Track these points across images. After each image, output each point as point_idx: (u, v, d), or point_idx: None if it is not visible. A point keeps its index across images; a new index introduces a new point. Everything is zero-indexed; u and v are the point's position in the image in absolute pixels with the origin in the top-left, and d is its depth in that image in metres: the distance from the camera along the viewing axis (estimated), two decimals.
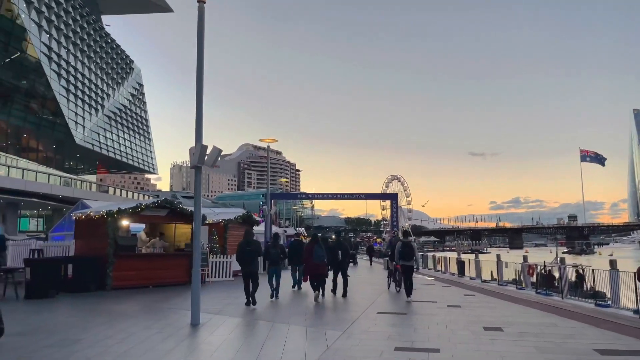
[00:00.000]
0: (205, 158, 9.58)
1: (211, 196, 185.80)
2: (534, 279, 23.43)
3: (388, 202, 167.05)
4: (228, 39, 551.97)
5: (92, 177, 75.53)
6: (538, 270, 22.42)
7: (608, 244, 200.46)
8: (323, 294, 13.32)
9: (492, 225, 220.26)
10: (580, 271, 22.66)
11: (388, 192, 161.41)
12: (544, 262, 22.62)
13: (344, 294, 13.69)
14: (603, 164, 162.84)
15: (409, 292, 13.18)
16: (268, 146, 25.24)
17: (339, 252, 13.96)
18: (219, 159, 10.28)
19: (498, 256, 26.78)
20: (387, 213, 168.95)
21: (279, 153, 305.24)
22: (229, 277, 19.58)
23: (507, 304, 12.69)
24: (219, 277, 19.21)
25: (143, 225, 18.29)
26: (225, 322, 9.53)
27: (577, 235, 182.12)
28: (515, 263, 23.97)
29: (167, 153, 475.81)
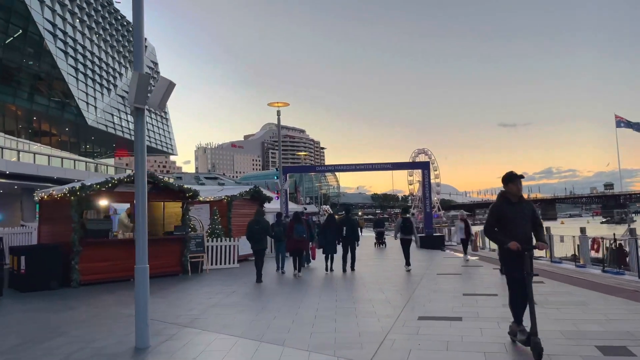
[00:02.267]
0: (151, 95, 6.32)
1: (236, 177, 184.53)
2: (597, 255, 19.75)
3: (415, 176, 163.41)
4: (255, 22, 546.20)
5: (111, 161, 73.79)
6: (608, 245, 18.72)
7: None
8: (332, 269, 14.33)
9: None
10: None
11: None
12: (614, 234, 18.83)
13: (352, 268, 14.14)
14: (639, 130, 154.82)
15: (407, 260, 14.45)
16: (278, 111, 21.94)
17: (344, 228, 14.26)
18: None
19: (548, 229, 23.10)
20: (415, 188, 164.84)
21: (302, 131, 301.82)
22: (233, 263, 16.51)
23: (592, 293, 9.20)
24: (220, 264, 16.15)
25: (127, 205, 15.33)
26: (190, 342, 6.35)
27: (614, 204, 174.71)
28: (574, 237, 20.20)
29: (193, 135, 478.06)
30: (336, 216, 16.34)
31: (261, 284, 11.98)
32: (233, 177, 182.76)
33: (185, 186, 14.96)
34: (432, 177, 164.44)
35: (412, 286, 10.68)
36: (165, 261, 13.84)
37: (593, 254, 19.77)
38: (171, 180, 15.01)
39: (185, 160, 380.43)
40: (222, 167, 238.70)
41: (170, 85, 6.38)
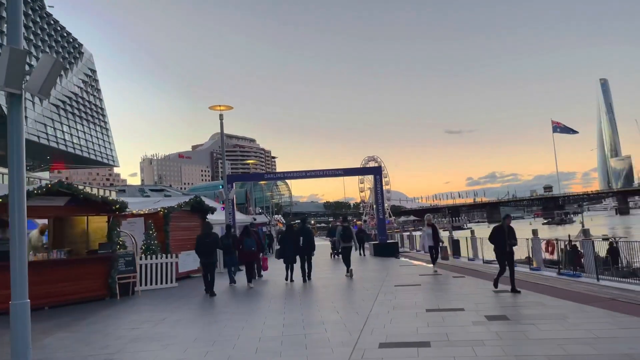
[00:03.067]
0: (30, 77, 4.84)
1: (184, 188, 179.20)
2: (552, 257, 19.42)
3: (366, 184, 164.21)
4: (203, 33, 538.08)
5: (46, 174, 69.22)
6: (562, 247, 18.38)
7: (582, 213, 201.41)
8: (292, 279, 14.29)
9: (470, 201, 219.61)
10: (614, 244, 18.64)
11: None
12: (569, 236, 18.55)
13: (309, 277, 14.24)
14: (574, 133, 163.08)
15: (348, 266, 15.04)
16: (221, 115, 20.41)
17: (300, 238, 14.33)
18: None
19: None
20: (366, 195, 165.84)
21: (252, 140, 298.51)
22: (171, 282, 14.83)
23: (567, 303, 8.36)
24: (156, 283, 14.44)
25: (44, 221, 13.41)
26: None
27: (553, 205, 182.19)
28: (527, 239, 19.80)
29: (140, 146, 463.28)
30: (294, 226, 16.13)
31: (207, 300, 10.84)
32: (181, 188, 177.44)
33: (111, 198, 13.22)
34: (382, 183, 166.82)
35: (369, 302, 9.52)
36: (88, 284, 12.05)
37: (547, 256, 19.42)
38: (113, 194, 13.25)
39: (131, 172, 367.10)
40: (169, 178, 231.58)
41: (57, 64, 4.92)
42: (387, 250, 23.73)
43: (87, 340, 7.63)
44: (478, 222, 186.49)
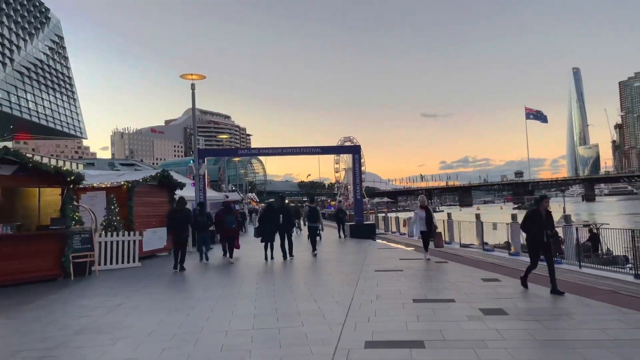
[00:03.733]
0: None
1: (156, 163, 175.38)
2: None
3: (341, 164, 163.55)
4: (180, 6, 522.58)
5: (9, 145, 66.14)
6: None
7: (551, 198, 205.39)
8: (272, 257, 14.27)
9: (443, 184, 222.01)
10: (595, 231, 18.27)
11: (341, 154, 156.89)
12: (561, 220, 18.08)
13: (291, 254, 14.32)
14: (545, 121, 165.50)
15: (314, 246, 15.66)
16: (193, 84, 19.09)
17: (280, 216, 14.31)
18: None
19: (478, 215, 22.36)
20: (341, 175, 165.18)
21: (227, 117, 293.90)
22: (134, 262, 13.72)
23: (566, 296, 7.68)
24: (117, 263, 13.32)
25: None
26: None
27: (523, 191, 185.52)
28: (508, 224, 19.26)
29: (110, 120, 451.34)
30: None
31: (171, 282, 9.80)
32: (153, 164, 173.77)
33: (66, 168, 11.97)
34: (360, 163, 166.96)
35: (349, 289, 8.68)
36: (38, 263, 10.89)
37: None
38: (80, 167, 12.07)
39: (103, 146, 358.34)
40: (141, 153, 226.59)
41: None
42: (364, 231, 22.99)
43: (24, 329, 6.57)
44: (450, 205, 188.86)
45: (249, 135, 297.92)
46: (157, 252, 16.68)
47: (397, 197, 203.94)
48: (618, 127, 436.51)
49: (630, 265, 14.10)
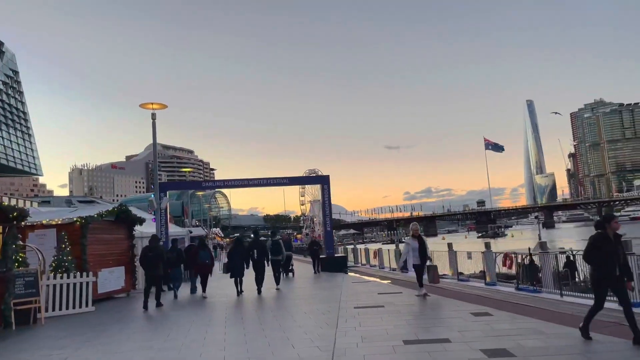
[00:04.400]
0: None
1: (116, 200, 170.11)
2: (510, 271, 18.57)
3: (307, 197, 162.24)
4: (139, 41, 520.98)
5: None
6: (519, 261, 17.47)
7: (511, 227, 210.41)
8: (242, 291, 14.21)
9: (407, 215, 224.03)
10: (571, 257, 17.97)
11: (306, 186, 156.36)
12: (529, 248, 17.70)
13: (259, 290, 14.08)
14: (502, 151, 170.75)
15: (276, 281, 15.20)
16: (153, 114, 18.14)
17: (255, 251, 14.32)
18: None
19: (450, 245, 21.94)
20: (307, 208, 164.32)
21: (190, 152, 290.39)
22: (87, 306, 12.39)
23: (562, 329, 7.02)
24: (66, 308, 11.95)
25: None
26: None
27: (486, 219, 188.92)
28: (483, 253, 18.79)
29: (69, 157, 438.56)
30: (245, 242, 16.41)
31: (128, 327, 8.55)
32: (113, 200, 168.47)
33: (7, 204, 10.73)
34: (329, 193, 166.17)
35: (330, 331, 7.78)
36: None
37: (505, 270, 18.54)
38: (35, 205, 10.80)
39: (61, 183, 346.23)
40: (100, 190, 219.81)
41: None
42: (335, 264, 22.13)
43: None
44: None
45: (212, 169, 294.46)
46: (114, 293, 15.32)
47: (363, 228, 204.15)
48: (572, 156, 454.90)
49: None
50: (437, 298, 11.28)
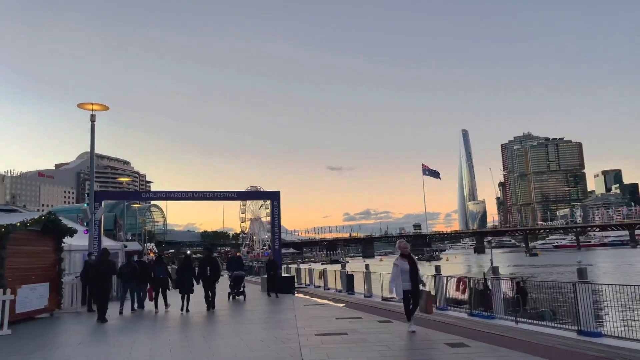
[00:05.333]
0: None
1: (42, 210, 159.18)
2: (463, 296, 18.32)
3: (247, 214, 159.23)
4: (77, 43, 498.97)
5: None
6: (472, 285, 17.23)
7: (444, 250, 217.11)
8: (188, 309, 13.98)
9: (346, 235, 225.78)
10: (521, 284, 17.95)
11: (247, 203, 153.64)
12: (484, 273, 17.50)
13: (213, 306, 14.42)
14: (439, 177, 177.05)
15: (211, 305, 14.59)
16: (92, 115, 16.49)
17: (208, 268, 14.57)
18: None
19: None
20: (247, 225, 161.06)
21: (126, 163, 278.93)
22: (1, 328, 10.65)
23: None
24: None
25: None
26: None
27: (422, 242, 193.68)
28: (434, 276, 18.46)
29: None
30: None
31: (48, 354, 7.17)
32: (38, 210, 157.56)
33: None
34: (264, 214, 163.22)
35: None
36: None
37: (457, 294, 18.27)
38: None
39: None
40: (25, 199, 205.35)
41: None
42: (283, 285, 21.00)
43: None
44: (353, 256, 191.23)
45: (149, 182, 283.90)
46: (36, 314, 13.48)
47: (303, 247, 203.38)
48: (501, 185, 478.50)
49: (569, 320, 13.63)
50: (400, 325, 10.56)
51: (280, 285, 20.99)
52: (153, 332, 10.47)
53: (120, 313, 14.00)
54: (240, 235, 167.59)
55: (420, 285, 9.63)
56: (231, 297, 17.60)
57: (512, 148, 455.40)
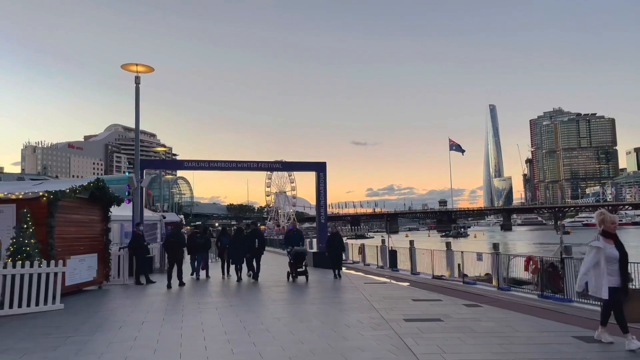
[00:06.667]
0: None
1: None
2: (531, 276, 16.98)
3: (272, 188, 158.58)
4: (108, 25, 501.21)
5: None
6: (542, 265, 15.89)
7: (470, 227, 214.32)
8: (241, 278, 15.24)
9: (370, 211, 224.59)
10: None
11: (272, 176, 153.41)
12: (561, 252, 16.08)
13: (256, 277, 15.12)
14: (462, 152, 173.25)
15: (256, 276, 15.34)
16: (137, 77, 15.47)
17: (256, 240, 15.30)
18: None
19: (448, 244, 20.59)
20: (271, 199, 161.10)
21: (152, 135, 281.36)
22: (53, 302, 9.87)
23: None
24: (28, 305, 9.42)
25: None
26: None
27: (447, 219, 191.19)
28: (497, 253, 17.19)
29: (24, 134, 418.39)
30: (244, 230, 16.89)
31: (99, 336, 6.63)
32: None
33: None
34: (289, 189, 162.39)
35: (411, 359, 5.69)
36: None
37: (528, 275, 16.94)
38: None
39: (14, 161, 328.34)
40: (55, 170, 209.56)
41: None
42: (328, 260, 20.00)
43: None
44: (377, 231, 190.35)
45: (174, 154, 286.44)
46: (84, 286, 12.74)
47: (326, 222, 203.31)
48: (528, 161, 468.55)
49: None
50: (496, 310, 9.36)
51: (326, 260, 20.01)
52: (221, 313, 9.51)
53: (198, 279, 15.79)
54: (265, 209, 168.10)
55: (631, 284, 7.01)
56: (291, 277, 15.11)
57: (541, 124, 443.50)
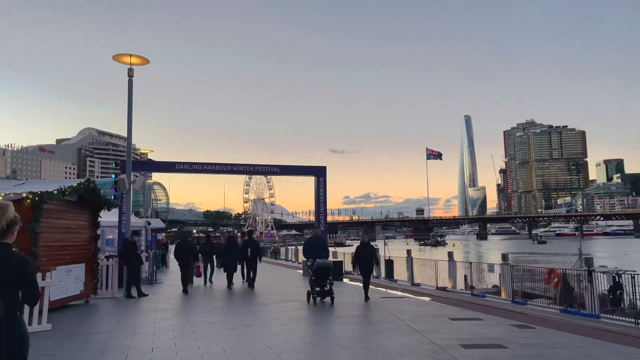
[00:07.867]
0: None
1: None
2: (553, 291, 16.04)
3: (250, 194, 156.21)
4: (80, 28, 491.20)
5: None
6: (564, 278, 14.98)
7: (446, 236, 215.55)
8: (232, 283, 15.88)
9: (347, 218, 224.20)
10: (617, 278, 15.58)
11: (251, 184, 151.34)
12: (588, 266, 15.17)
13: (252, 285, 15.47)
14: (441, 158, 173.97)
15: (251, 285, 15.64)
16: (130, 69, 14.05)
17: (249, 249, 15.61)
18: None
19: (450, 254, 19.68)
20: (249, 206, 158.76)
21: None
22: (40, 322, 8.40)
23: None
24: None
25: None
26: None
27: (424, 227, 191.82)
28: (510, 265, 16.24)
29: None
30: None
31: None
32: None
33: None
34: (267, 196, 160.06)
35: None
36: None
37: (552, 289, 15.98)
38: None
39: None
40: (25, 173, 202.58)
41: None
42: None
43: None
44: (354, 239, 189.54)
45: (149, 159, 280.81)
46: (70, 300, 11.22)
47: (304, 229, 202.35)
48: (502, 171, 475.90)
49: None
50: (540, 330, 8.29)
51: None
52: (239, 335, 8.21)
53: (210, 282, 16.85)
54: (243, 216, 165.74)
55: None
56: (312, 297, 12.09)
57: (514, 135, 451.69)
